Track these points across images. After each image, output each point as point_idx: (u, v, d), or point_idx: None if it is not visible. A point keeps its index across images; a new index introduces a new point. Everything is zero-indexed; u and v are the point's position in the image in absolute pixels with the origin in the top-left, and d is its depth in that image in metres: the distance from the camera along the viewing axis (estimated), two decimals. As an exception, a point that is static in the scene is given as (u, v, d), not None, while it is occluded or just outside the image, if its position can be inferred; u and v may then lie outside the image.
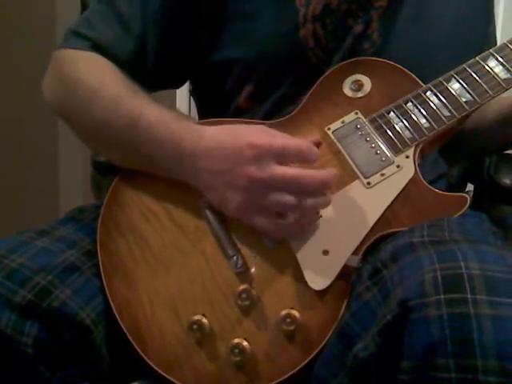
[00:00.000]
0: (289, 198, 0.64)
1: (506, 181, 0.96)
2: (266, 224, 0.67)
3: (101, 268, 0.71)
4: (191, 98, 0.98)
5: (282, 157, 0.65)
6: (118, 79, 0.76)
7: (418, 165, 0.71)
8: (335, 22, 0.78)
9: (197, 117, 0.94)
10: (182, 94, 1.70)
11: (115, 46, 0.80)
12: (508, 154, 0.98)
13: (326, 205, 0.68)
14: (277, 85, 0.80)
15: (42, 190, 1.94)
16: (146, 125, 0.71)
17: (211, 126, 0.71)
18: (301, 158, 0.66)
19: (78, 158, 1.83)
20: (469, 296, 0.50)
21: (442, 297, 0.50)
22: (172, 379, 0.66)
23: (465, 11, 0.85)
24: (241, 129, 0.69)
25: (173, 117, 0.72)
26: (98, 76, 0.76)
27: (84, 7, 1.01)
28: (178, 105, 1.72)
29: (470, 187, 1.07)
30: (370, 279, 0.59)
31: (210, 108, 0.90)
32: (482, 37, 0.87)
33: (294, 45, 0.78)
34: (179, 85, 0.93)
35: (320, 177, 0.66)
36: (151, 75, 0.82)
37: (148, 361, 0.67)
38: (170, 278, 0.70)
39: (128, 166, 0.76)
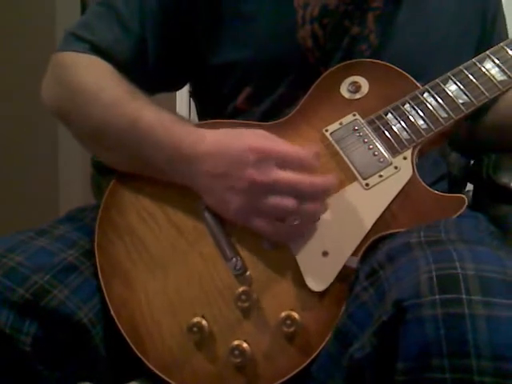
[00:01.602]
0: (289, 202, 0.64)
1: (505, 180, 0.96)
2: (265, 227, 0.67)
3: (98, 270, 0.71)
4: (191, 100, 0.98)
5: (283, 162, 0.65)
6: (118, 82, 0.76)
7: (417, 166, 0.71)
8: (333, 22, 0.78)
9: (197, 119, 0.94)
10: (182, 96, 1.70)
11: (115, 47, 0.79)
12: (507, 153, 0.98)
13: (325, 211, 0.68)
14: (275, 86, 0.80)
15: (41, 189, 1.94)
16: (145, 127, 0.71)
17: (210, 129, 0.71)
18: (301, 165, 0.66)
19: (78, 157, 1.83)
20: (464, 296, 0.50)
21: (436, 297, 0.50)
22: (171, 381, 0.66)
23: (461, 11, 0.85)
24: (241, 133, 0.69)
25: (172, 119, 0.72)
26: (97, 79, 0.76)
27: (84, 7, 1.01)
28: (177, 107, 1.72)
29: (469, 187, 1.07)
30: (367, 280, 0.59)
31: (209, 109, 0.90)
32: (478, 36, 0.87)
33: (292, 46, 0.78)
34: (179, 87, 0.93)
35: (321, 182, 0.66)
36: (151, 77, 0.82)
37: (147, 363, 0.67)
38: (168, 279, 0.69)
39: (127, 169, 0.76)
